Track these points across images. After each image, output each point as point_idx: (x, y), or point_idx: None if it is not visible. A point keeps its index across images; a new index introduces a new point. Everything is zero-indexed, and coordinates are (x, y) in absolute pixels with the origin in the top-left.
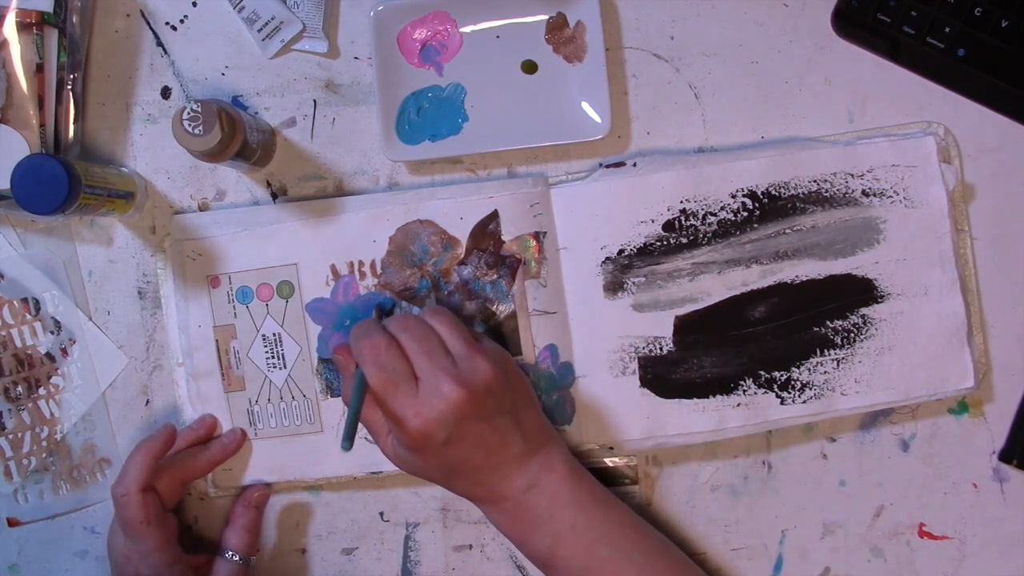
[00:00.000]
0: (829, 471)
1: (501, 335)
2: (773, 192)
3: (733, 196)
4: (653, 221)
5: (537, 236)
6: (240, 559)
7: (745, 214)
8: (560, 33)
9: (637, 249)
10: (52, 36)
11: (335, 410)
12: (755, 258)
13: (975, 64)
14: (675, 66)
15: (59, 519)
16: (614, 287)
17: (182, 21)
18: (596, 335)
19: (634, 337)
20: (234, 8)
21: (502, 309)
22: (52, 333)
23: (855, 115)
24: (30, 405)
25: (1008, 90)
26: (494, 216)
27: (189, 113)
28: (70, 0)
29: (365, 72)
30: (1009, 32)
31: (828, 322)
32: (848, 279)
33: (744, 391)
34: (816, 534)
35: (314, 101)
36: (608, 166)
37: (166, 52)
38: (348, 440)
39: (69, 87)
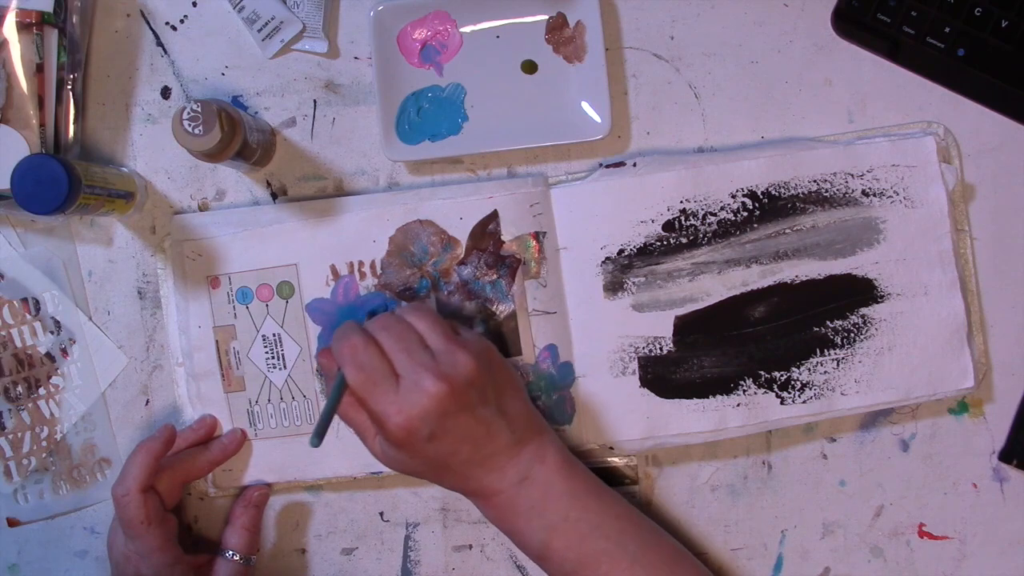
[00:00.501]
0: (829, 471)
1: (501, 335)
2: (773, 192)
3: (733, 196)
4: (653, 221)
5: (537, 236)
6: (241, 559)
7: (745, 214)
8: (560, 33)
9: (637, 249)
10: (52, 36)
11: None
12: (755, 258)
13: (975, 64)
14: (675, 66)
15: (59, 519)
16: (614, 287)
17: (182, 21)
18: (596, 335)
19: (634, 337)
20: (234, 8)
21: (502, 309)
22: (52, 333)
23: (855, 115)
24: (30, 405)
25: (1008, 90)
26: (494, 216)
27: (189, 113)
28: (70, 0)
29: (365, 72)
30: (1009, 32)
31: (828, 322)
32: (848, 279)
33: (744, 391)
34: (816, 534)
35: (314, 101)
36: (608, 166)
37: (166, 52)
38: (317, 437)
39: (69, 87)
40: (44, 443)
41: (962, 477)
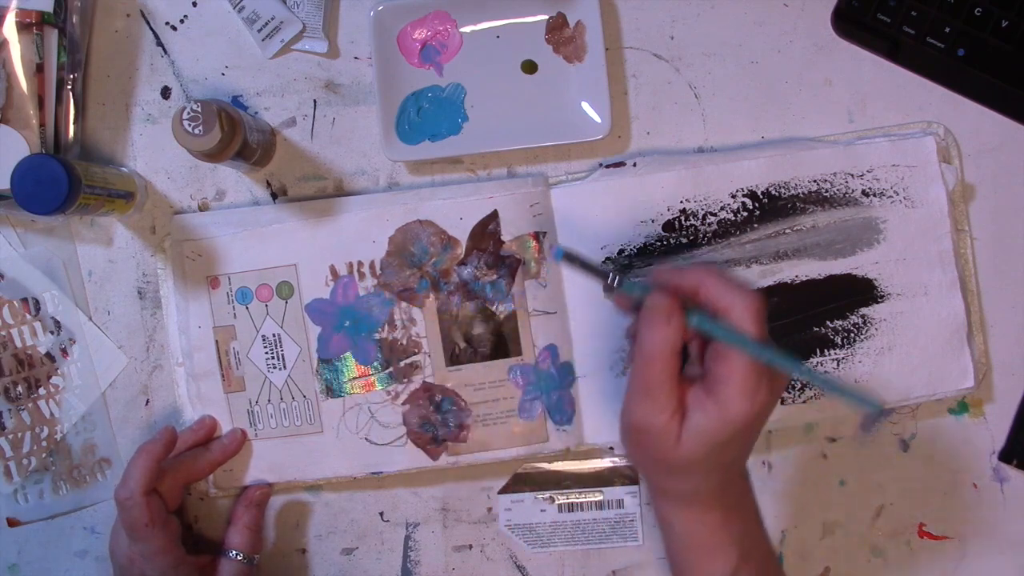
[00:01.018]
0: (829, 471)
1: (501, 335)
2: (773, 192)
3: (733, 196)
4: (653, 221)
5: (537, 236)
6: (243, 558)
7: (745, 214)
8: (560, 33)
9: (637, 249)
10: (52, 36)
11: (335, 410)
12: (755, 258)
13: (975, 64)
14: (675, 66)
15: (59, 519)
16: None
17: (182, 21)
18: (596, 335)
19: None
20: (234, 8)
21: (502, 309)
22: (52, 333)
23: (855, 115)
24: (30, 405)
25: (1008, 90)
26: (494, 216)
27: (189, 113)
28: (70, 0)
29: (365, 72)
30: (1009, 32)
31: (828, 322)
32: (848, 279)
33: None
34: (816, 534)
35: (314, 101)
36: (608, 166)
37: (166, 52)
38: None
39: (69, 87)
40: (44, 443)
41: (962, 477)
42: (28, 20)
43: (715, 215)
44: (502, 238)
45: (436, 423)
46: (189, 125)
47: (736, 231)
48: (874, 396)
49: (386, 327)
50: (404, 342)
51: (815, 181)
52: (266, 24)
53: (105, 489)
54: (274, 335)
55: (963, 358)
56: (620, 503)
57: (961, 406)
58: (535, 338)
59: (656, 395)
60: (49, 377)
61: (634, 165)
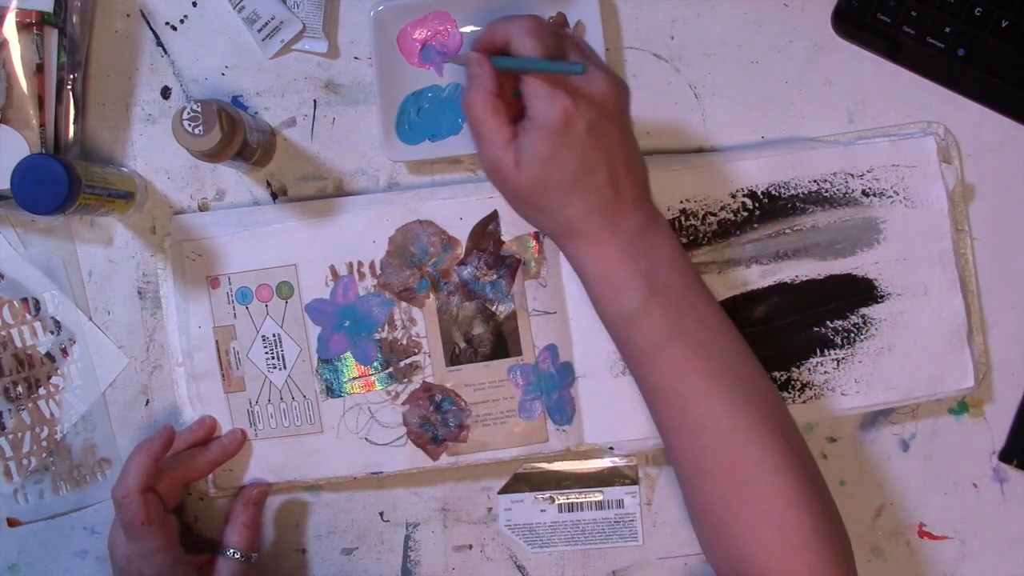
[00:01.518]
0: (829, 471)
1: (501, 335)
2: (773, 192)
3: (733, 196)
4: None
5: (537, 236)
6: (241, 556)
7: (745, 214)
8: None
9: None
10: (52, 36)
11: (335, 410)
12: (755, 258)
13: (975, 64)
14: (675, 66)
15: (59, 519)
16: None
17: (182, 21)
18: (596, 335)
19: None
20: (234, 8)
21: (502, 309)
22: (52, 333)
23: (855, 115)
24: (30, 405)
25: (1008, 90)
26: (494, 216)
27: (189, 113)
28: (70, 0)
29: (365, 72)
30: (1009, 32)
31: (828, 322)
32: (848, 279)
33: None
34: None
35: (314, 101)
36: None
37: (166, 52)
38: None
39: (69, 87)
40: (44, 443)
41: (962, 477)
42: (28, 20)
43: (715, 215)
44: (502, 238)
45: (436, 423)
46: (189, 125)
47: (736, 231)
48: (577, 65)
49: (386, 327)
50: (404, 342)
51: (815, 181)
52: (266, 24)
53: (105, 489)
54: (274, 335)
55: (963, 358)
56: (620, 503)
57: (961, 406)
58: (535, 338)
59: (484, 132)
60: (49, 377)
61: None
